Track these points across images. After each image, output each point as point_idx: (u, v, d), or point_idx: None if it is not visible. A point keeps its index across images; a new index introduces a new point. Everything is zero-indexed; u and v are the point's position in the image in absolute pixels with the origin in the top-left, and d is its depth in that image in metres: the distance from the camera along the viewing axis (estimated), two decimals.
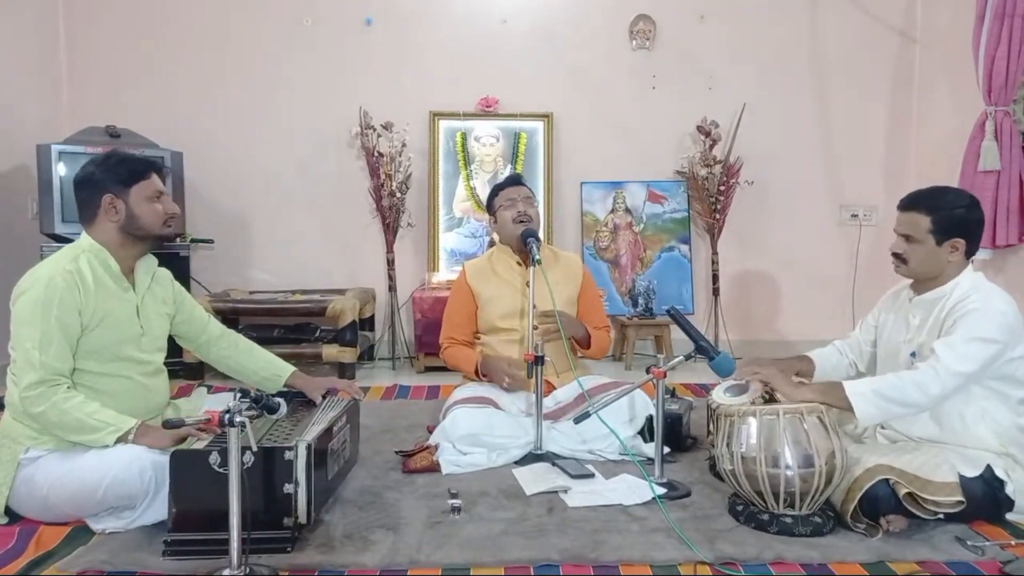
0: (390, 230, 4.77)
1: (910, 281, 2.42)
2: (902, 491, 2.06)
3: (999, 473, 2.15)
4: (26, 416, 2.16)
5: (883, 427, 2.40)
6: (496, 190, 3.17)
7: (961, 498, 2.07)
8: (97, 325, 2.21)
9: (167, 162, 4.22)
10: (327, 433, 2.23)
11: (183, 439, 2.15)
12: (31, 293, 2.15)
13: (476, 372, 3.03)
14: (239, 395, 1.90)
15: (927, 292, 2.33)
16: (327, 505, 2.30)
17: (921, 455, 2.14)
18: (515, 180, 3.22)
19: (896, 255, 2.33)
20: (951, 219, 2.25)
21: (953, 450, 2.20)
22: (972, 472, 2.13)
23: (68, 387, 2.15)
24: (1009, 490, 2.15)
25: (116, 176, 2.28)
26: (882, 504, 2.09)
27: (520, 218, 3.02)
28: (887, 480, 2.08)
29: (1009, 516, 2.21)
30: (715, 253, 4.93)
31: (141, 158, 2.37)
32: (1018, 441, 2.24)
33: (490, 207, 3.19)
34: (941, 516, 2.09)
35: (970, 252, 2.29)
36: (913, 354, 2.32)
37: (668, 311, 2.61)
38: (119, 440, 2.13)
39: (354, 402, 2.59)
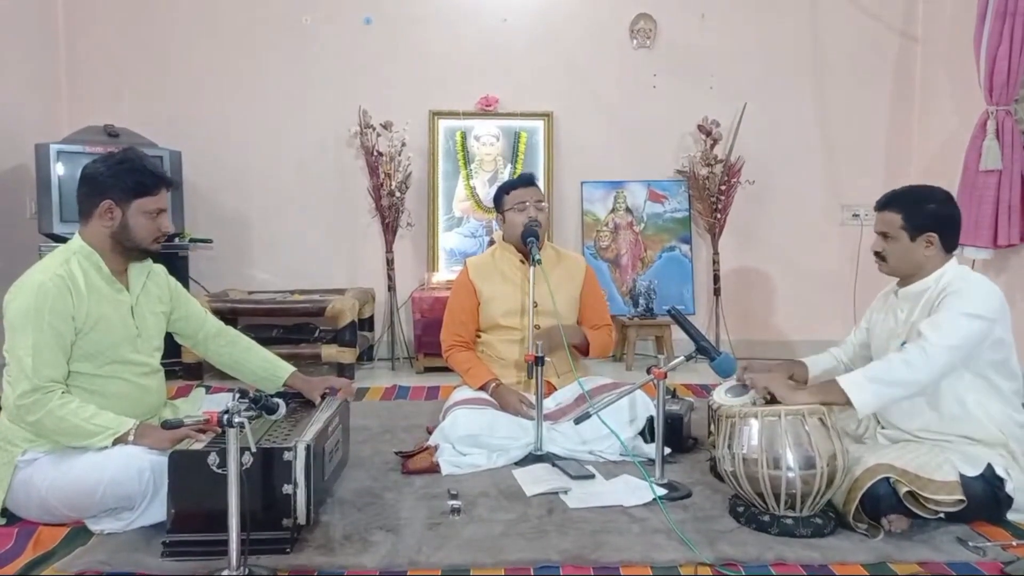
0: (389, 230, 4.76)
1: (896, 280, 2.48)
2: (903, 490, 2.06)
3: (999, 472, 2.16)
4: (21, 422, 2.14)
5: (883, 426, 2.40)
6: (507, 188, 3.09)
7: (962, 497, 2.06)
8: (91, 329, 2.19)
9: (166, 162, 4.21)
10: (323, 433, 2.23)
11: (183, 439, 2.13)
12: (22, 300, 2.13)
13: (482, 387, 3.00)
14: (238, 396, 1.89)
15: (911, 285, 2.40)
16: (326, 506, 2.30)
17: (922, 454, 2.14)
18: (528, 180, 3.11)
19: (876, 253, 2.43)
20: (922, 214, 2.34)
21: (954, 449, 2.20)
22: (973, 471, 2.13)
23: (63, 392, 2.14)
24: (1009, 488, 2.16)
25: (123, 184, 2.22)
26: (883, 503, 2.09)
27: (531, 223, 2.97)
28: (888, 479, 2.08)
29: (1010, 516, 2.21)
30: (716, 253, 4.92)
31: (155, 172, 2.27)
32: (1016, 435, 2.25)
33: (498, 204, 3.12)
34: (942, 515, 2.09)
35: (947, 246, 2.36)
36: (903, 344, 2.34)
37: (669, 311, 2.61)
38: (117, 442, 2.12)
39: (345, 403, 2.58)
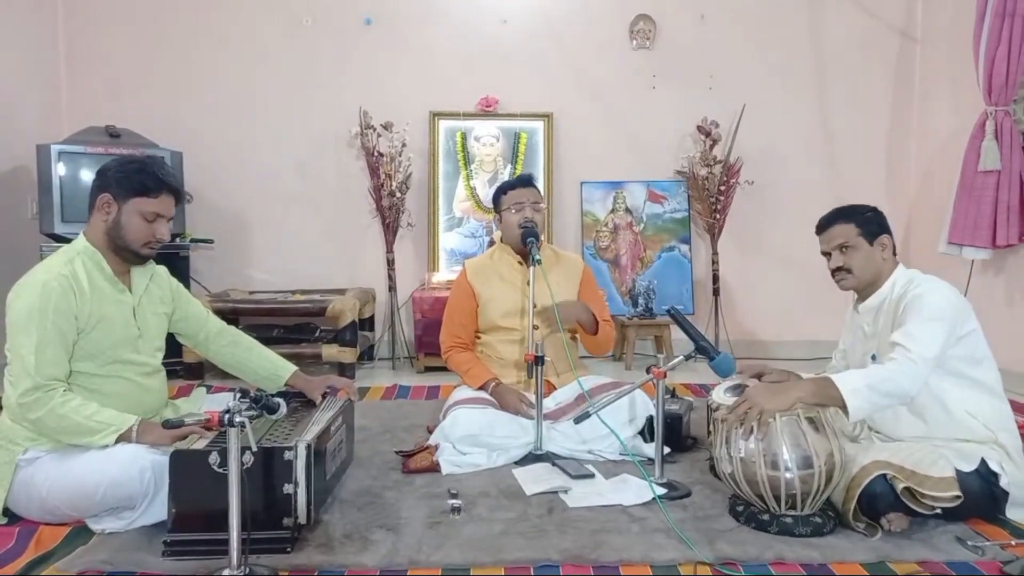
0: (390, 230, 4.77)
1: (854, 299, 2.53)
2: (900, 486, 2.06)
3: (993, 467, 2.17)
4: (22, 420, 2.15)
5: (876, 431, 2.42)
6: (505, 188, 3.10)
7: (958, 492, 2.07)
8: (93, 328, 2.20)
9: (166, 162, 4.22)
10: (325, 433, 2.23)
11: (185, 437, 2.14)
12: (26, 299, 2.13)
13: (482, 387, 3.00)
14: (239, 395, 1.90)
15: (869, 298, 2.45)
16: (326, 505, 2.30)
17: (918, 451, 2.15)
18: (526, 181, 3.12)
19: (838, 269, 2.44)
20: (870, 220, 2.43)
21: (948, 446, 2.21)
22: (967, 467, 2.14)
23: (64, 390, 2.14)
24: (1004, 483, 2.17)
25: (125, 182, 2.23)
26: (881, 501, 2.10)
27: (526, 224, 2.98)
28: (885, 476, 2.08)
29: (1009, 515, 2.21)
30: (715, 253, 4.93)
31: (160, 178, 2.26)
32: (1005, 426, 2.27)
33: (496, 204, 3.13)
34: (939, 511, 2.09)
35: (894, 250, 2.44)
36: (873, 357, 2.39)
37: (668, 311, 2.61)
38: (120, 439, 2.12)
39: (349, 402, 2.58)
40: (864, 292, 2.47)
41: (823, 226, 2.48)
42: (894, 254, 2.44)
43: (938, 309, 2.23)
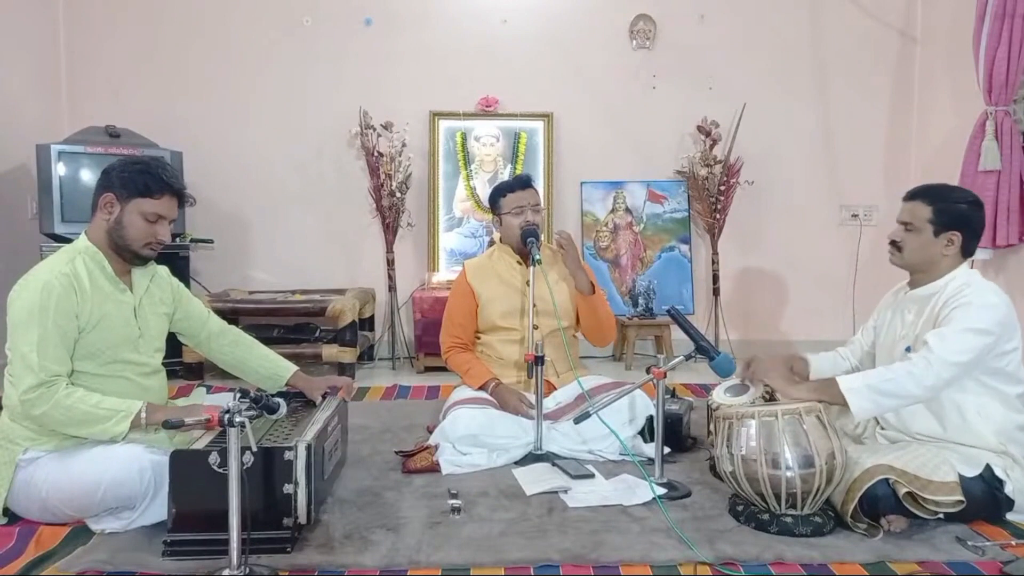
0: (390, 230, 4.77)
1: (908, 278, 2.45)
2: (902, 491, 2.06)
3: (998, 473, 2.16)
4: (26, 418, 2.15)
5: (883, 427, 2.40)
6: (504, 191, 3.07)
7: (961, 498, 2.07)
8: (93, 327, 2.20)
9: (167, 161, 4.22)
10: (322, 433, 2.23)
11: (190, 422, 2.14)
12: (27, 298, 2.13)
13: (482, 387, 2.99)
14: (239, 395, 1.90)
15: (922, 287, 2.36)
16: (326, 505, 2.30)
17: (921, 455, 2.14)
18: (524, 183, 3.08)
19: (892, 243, 2.38)
20: (951, 212, 2.30)
21: (953, 450, 2.20)
22: (971, 472, 2.13)
23: (67, 384, 2.14)
24: (1008, 490, 2.16)
25: (128, 182, 2.23)
26: (882, 504, 2.10)
27: (527, 227, 2.97)
28: (887, 480, 2.08)
29: (1009, 516, 2.21)
30: (715, 253, 4.93)
31: (164, 179, 2.26)
32: (1017, 439, 2.24)
33: (495, 206, 3.11)
34: (941, 516, 2.09)
35: (966, 250, 2.33)
36: (908, 348, 2.33)
37: (668, 311, 2.61)
38: (132, 424, 2.12)
39: (343, 403, 2.59)
40: (916, 279, 2.38)
41: (907, 196, 2.38)
42: (966, 254, 2.32)
43: (983, 322, 2.16)
